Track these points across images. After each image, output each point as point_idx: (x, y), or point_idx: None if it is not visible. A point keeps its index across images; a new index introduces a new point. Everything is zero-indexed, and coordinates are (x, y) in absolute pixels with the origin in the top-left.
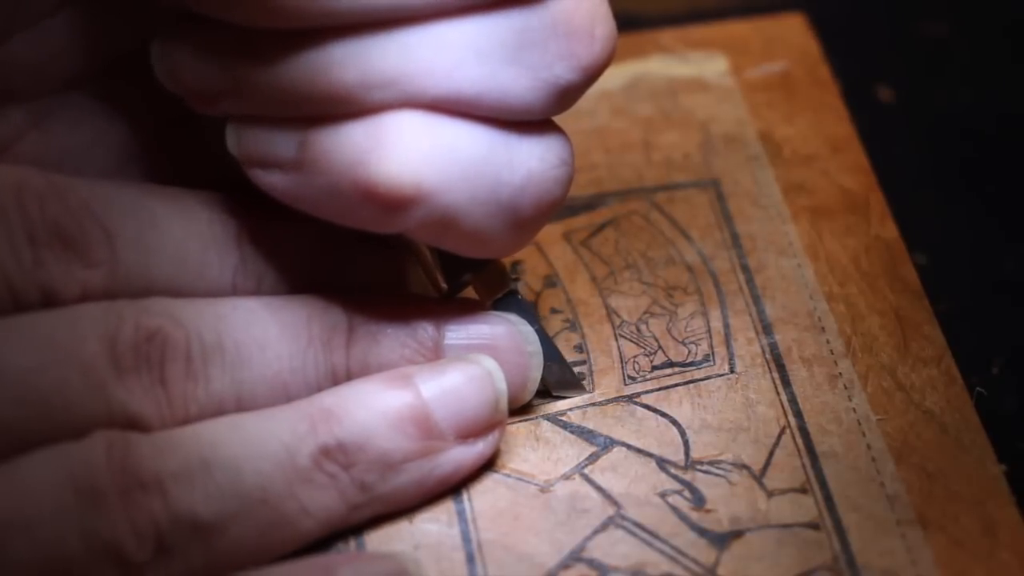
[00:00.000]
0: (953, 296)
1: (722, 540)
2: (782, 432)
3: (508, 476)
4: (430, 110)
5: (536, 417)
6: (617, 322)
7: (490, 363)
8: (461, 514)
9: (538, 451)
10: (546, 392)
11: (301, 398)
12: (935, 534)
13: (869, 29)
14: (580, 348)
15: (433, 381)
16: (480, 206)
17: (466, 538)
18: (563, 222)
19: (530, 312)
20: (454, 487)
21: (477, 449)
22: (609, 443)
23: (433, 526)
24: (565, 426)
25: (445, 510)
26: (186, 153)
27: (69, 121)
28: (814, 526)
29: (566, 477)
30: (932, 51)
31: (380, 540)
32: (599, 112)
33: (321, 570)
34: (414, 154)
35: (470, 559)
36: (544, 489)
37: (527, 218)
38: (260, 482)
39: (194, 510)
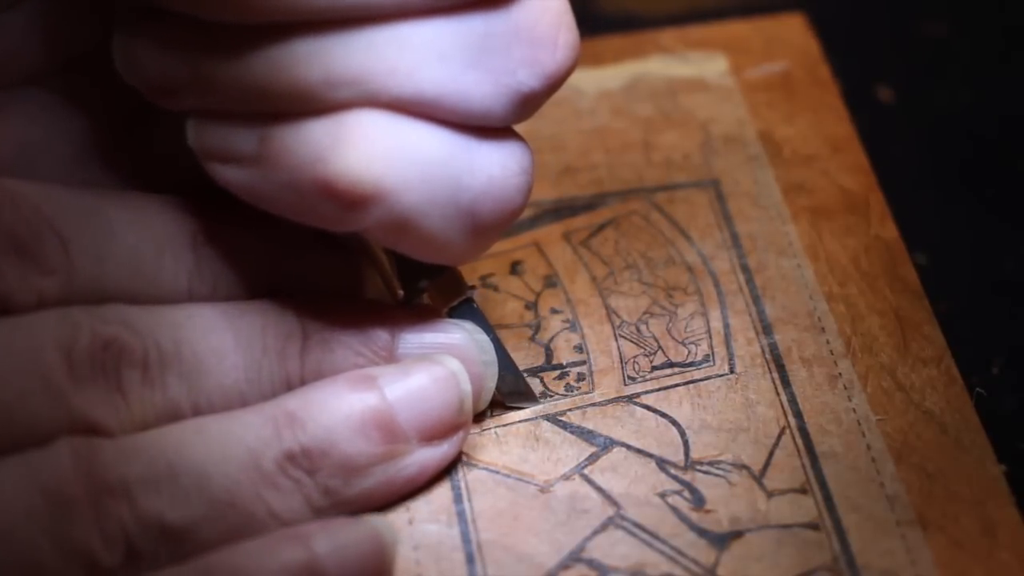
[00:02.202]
0: (953, 296)
1: (722, 540)
2: (782, 432)
3: (508, 476)
4: (392, 110)
5: (536, 417)
6: (617, 322)
7: (455, 364)
8: (461, 514)
9: (538, 451)
10: (499, 402)
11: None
12: (935, 534)
13: (869, 29)
14: (580, 348)
15: (398, 383)
16: (439, 209)
17: (466, 538)
18: (563, 222)
19: (484, 321)
20: (454, 489)
21: (441, 451)
22: (609, 443)
23: (433, 526)
24: (565, 426)
25: (445, 510)
26: (144, 152)
27: (26, 115)
28: (814, 526)
29: (566, 477)
30: (932, 51)
31: None
32: (599, 112)
33: (295, 540)
34: (375, 153)
35: (470, 559)
36: (544, 489)
37: (485, 224)
38: (227, 486)
39: (162, 516)
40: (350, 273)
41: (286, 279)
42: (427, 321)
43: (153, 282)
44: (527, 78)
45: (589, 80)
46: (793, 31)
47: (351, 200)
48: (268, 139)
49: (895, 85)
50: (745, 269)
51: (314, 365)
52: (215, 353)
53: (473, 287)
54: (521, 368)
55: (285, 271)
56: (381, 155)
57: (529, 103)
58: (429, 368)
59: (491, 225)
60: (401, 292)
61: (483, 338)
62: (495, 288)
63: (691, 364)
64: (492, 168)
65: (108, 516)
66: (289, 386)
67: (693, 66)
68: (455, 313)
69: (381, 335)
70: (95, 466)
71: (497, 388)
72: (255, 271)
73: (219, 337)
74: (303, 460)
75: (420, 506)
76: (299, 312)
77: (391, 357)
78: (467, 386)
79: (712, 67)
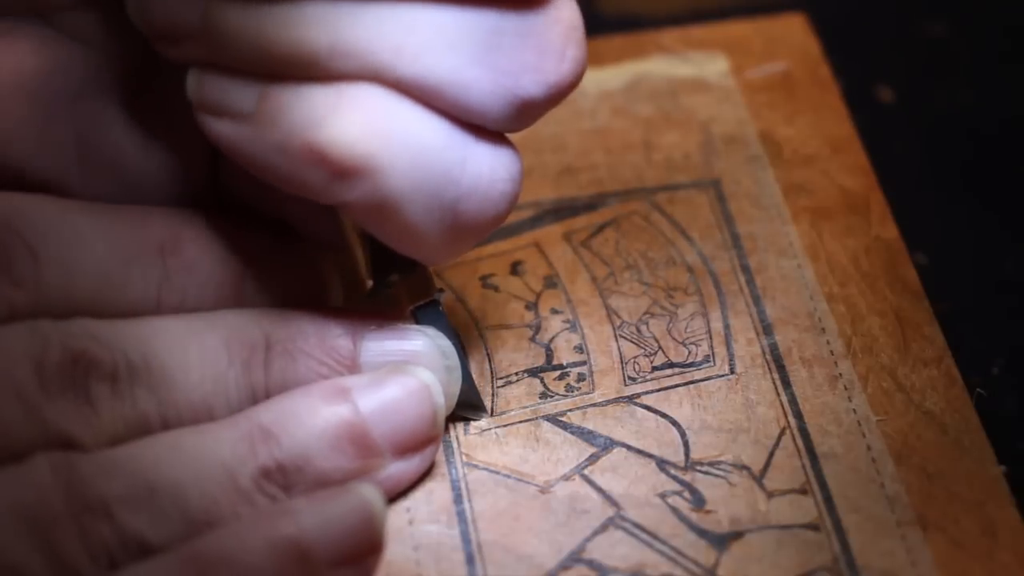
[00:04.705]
0: (953, 296)
1: (722, 541)
2: (782, 433)
3: (508, 477)
4: (393, 90)
5: (536, 418)
6: (617, 323)
7: (427, 375)
8: (461, 515)
9: (538, 452)
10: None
11: (223, 418)
12: (935, 535)
13: (869, 29)
14: (580, 349)
15: (371, 395)
16: (423, 198)
17: (465, 539)
18: (564, 222)
19: (447, 326)
20: (454, 489)
21: (414, 464)
22: (609, 444)
23: (433, 527)
24: (565, 427)
25: (445, 511)
26: (141, 105)
27: (29, 45)
28: (814, 527)
29: (566, 478)
30: (932, 51)
31: None
32: (600, 112)
33: (281, 517)
34: (370, 127)
35: (470, 560)
36: (544, 490)
37: (466, 224)
38: (205, 505)
39: (142, 534)
40: (314, 279)
41: (251, 288)
42: (389, 328)
43: (122, 293)
44: (529, 84)
45: (590, 80)
46: (794, 31)
47: (339, 169)
48: (266, 98)
49: (895, 85)
50: (746, 270)
51: (278, 375)
52: (182, 366)
53: (441, 290)
54: (522, 368)
55: (251, 279)
56: (376, 130)
57: (527, 110)
58: (402, 380)
59: (471, 226)
60: (370, 283)
61: (446, 344)
62: (496, 288)
63: (691, 365)
64: (482, 168)
65: (90, 533)
66: (255, 397)
67: (694, 66)
68: (420, 313)
69: (343, 343)
70: (74, 483)
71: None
72: (222, 280)
73: (185, 350)
74: (278, 476)
75: (420, 506)
76: (262, 322)
77: (354, 365)
78: (440, 398)
79: (713, 67)
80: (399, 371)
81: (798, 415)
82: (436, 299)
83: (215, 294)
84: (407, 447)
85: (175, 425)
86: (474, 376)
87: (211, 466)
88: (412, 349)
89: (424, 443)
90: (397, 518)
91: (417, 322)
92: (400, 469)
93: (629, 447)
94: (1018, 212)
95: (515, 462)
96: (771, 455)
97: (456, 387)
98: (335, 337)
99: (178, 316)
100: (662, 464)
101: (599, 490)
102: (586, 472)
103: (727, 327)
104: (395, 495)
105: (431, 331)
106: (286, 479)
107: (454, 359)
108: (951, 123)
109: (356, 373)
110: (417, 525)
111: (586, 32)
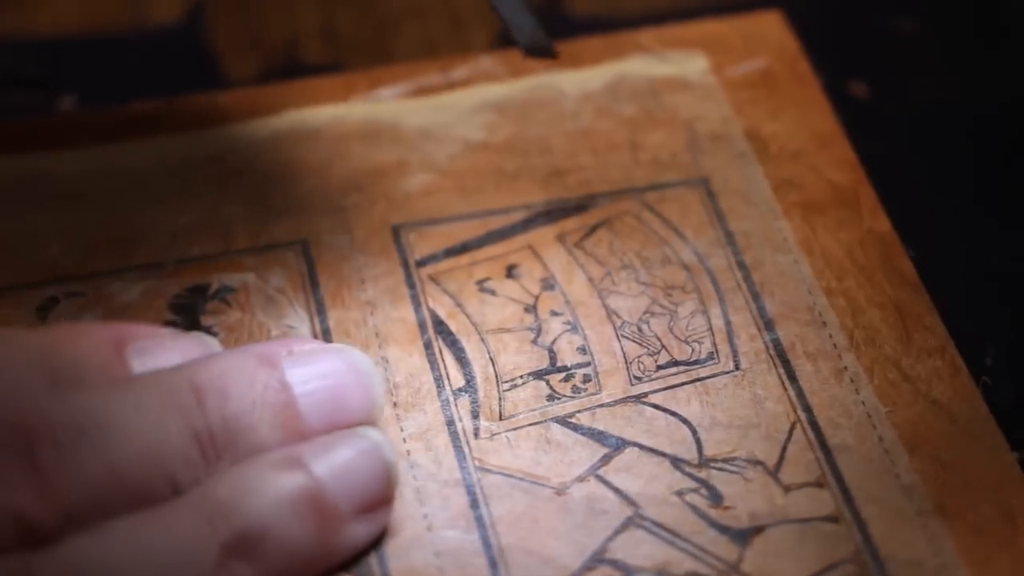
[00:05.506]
0: (943, 289)
1: (743, 536)
2: (793, 427)
3: (522, 480)
4: None
5: (545, 420)
6: (618, 323)
7: (376, 435)
8: (479, 520)
9: (550, 454)
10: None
11: (174, 466)
12: (955, 523)
13: (841, 26)
14: (583, 350)
15: (323, 459)
16: None
17: (486, 543)
18: (556, 224)
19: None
20: (469, 494)
21: (377, 521)
22: (621, 444)
23: (452, 532)
24: (575, 428)
25: (463, 516)
26: None
27: None
28: (833, 519)
29: (581, 479)
30: (904, 47)
31: (399, 549)
32: (583, 113)
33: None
34: None
35: (493, 564)
36: (560, 492)
37: None
38: None
39: None
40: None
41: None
42: (307, 353)
43: None
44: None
45: (570, 82)
46: (771, 28)
47: None
48: None
49: (869, 81)
50: (742, 266)
51: (216, 413)
52: (118, 423)
53: None
54: (527, 371)
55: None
56: None
57: None
58: (352, 441)
59: None
60: None
61: (357, 353)
62: (493, 292)
63: (696, 362)
64: None
65: None
66: (199, 439)
67: (674, 65)
68: None
69: (270, 373)
70: None
71: (518, 43)
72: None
73: (119, 407)
74: (241, 549)
75: (437, 512)
76: (184, 368)
77: (283, 389)
78: (392, 456)
79: (693, 66)
80: (348, 433)
81: (807, 409)
82: None
83: None
84: (365, 506)
85: (127, 481)
86: (479, 380)
87: (175, 556)
88: (334, 370)
89: (381, 502)
90: (415, 524)
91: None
92: (362, 530)
93: (641, 446)
94: (1001, 203)
95: (528, 465)
96: (784, 449)
97: (381, 387)
98: (258, 369)
99: (108, 382)
100: (676, 462)
101: (615, 490)
102: (600, 473)
103: (728, 324)
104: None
105: (339, 346)
106: (250, 552)
107: (369, 364)
108: (924, 118)
109: (291, 398)
110: (436, 531)
111: (555, 34)
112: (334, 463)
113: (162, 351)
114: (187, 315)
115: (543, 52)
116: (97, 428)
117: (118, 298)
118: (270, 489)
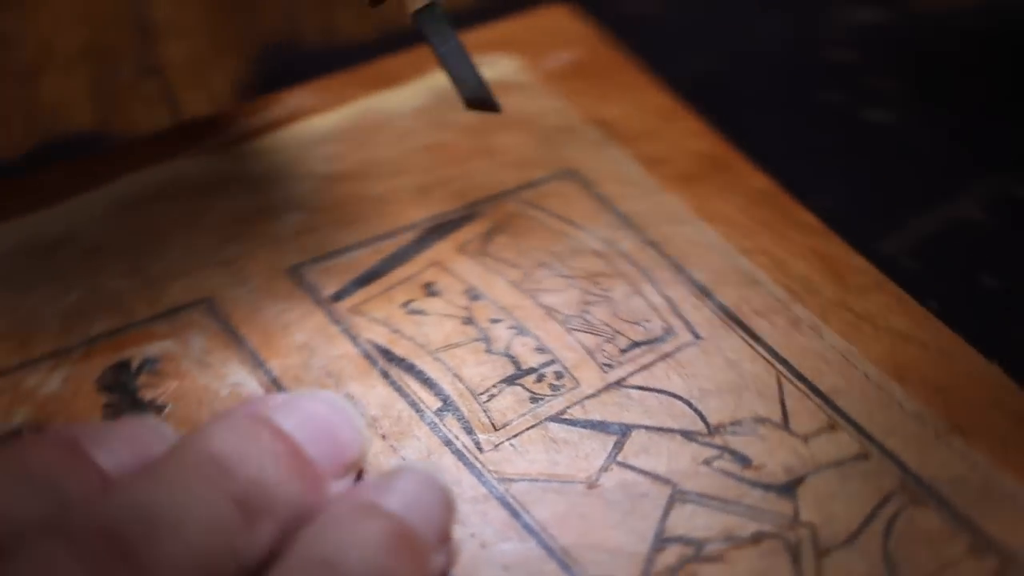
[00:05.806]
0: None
1: (789, 489)
2: (779, 381)
3: (549, 481)
4: None
5: (540, 422)
6: (560, 317)
7: (422, 463)
8: (527, 527)
9: (562, 452)
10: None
11: (231, 534)
12: (976, 438)
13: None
14: (541, 349)
15: (390, 495)
16: None
17: (547, 548)
18: (450, 237)
19: (448, 28)
20: (504, 506)
21: (449, 547)
22: (625, 429)
23: (508, 545)
24: (573, 423)
25: (510, 527)
26: None
27: None
28: (864, 456)
29: (604, 469)
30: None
31: (467, 571)
32: (421, 130)
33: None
34: None
35: (564, 567)
36: (591, 485)
37: None
38: None
39: None
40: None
41: None
42: (286, 403)
43: None
44: None
45: (392, 101)
46: (561, 22)
47: None
48: None
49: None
50: (652, 244)
51: (242, 475)
52: (167, 506)
53: None
54: (497, 380)
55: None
56: None
57: None
58: (407, 474)
59: None
60: None
61: (331, 395)
62: (422, 312)
63: (656, 339)
64: None
65: None
66: (238, 504)
67: (488, 69)
68: (421, 17)
69: (263, 427)
70: None
71: (461, 95)
72: None
73: (165, 493)
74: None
75: (483, 529)
76: (191, 444)
77: (285, 439)
78: (444, 479)
79: (505, 67)
80: (400, 467)
81: (783, 362)
82: (435, 1)
83: None
84: (442, 534)
85: (204, 560)
86: (454, 397)
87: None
88: (321, 411)
89: (449, 526)
90: (468, 545)
91: (418, 27)
92: (441, 560)
93: (647, 427)
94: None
95: (547, 466)
96: (783, 403)
97: (361, 420)
98: (251, 427)
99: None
100: (688, 435)
101: (643, 472)
102: (620, 459)
103: (668, 299)
104: None
105: (308, 391)
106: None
107: (344, 402)
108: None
109: (291, 445)
110: (491, 547)
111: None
112: (405, 497)
113: (120, 442)
114: (121, 392)
115: (486, 105)
116: (158, 516)
117: (40, 391)
118: (360, 537)
